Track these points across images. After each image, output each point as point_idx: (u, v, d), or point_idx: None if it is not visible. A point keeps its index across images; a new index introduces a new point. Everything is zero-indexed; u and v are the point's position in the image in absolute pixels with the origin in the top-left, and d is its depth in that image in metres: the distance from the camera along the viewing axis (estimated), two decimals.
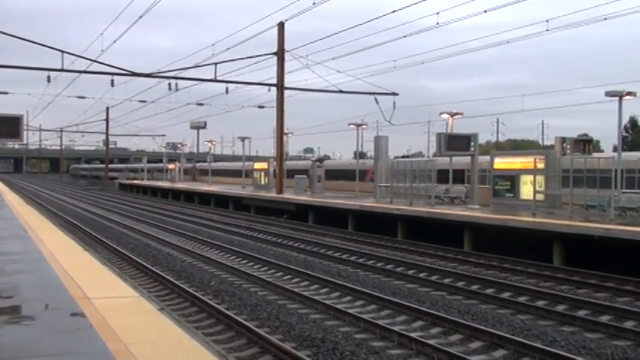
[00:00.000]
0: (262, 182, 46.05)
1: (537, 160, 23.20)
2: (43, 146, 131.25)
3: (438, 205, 26.09)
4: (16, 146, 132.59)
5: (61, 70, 31.95)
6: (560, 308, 12.27)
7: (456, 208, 24.68)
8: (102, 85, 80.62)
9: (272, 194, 37.85)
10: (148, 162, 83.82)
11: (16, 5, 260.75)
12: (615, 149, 29.86)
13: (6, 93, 43.70)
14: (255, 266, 17.57)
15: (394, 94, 36.11)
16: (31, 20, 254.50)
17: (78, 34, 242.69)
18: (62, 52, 31.25)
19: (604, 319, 11.48)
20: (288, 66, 37.52)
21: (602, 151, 62.68)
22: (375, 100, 36.05)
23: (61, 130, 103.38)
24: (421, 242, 21.99)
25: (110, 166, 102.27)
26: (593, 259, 17.01)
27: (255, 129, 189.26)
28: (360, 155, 46.55)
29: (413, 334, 10.01)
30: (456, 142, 26.34)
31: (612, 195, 19.76)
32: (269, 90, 38.29)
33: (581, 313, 11.94)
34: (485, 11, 27.36)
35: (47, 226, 19.11)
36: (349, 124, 39.25)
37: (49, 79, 32.93)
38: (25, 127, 26.04)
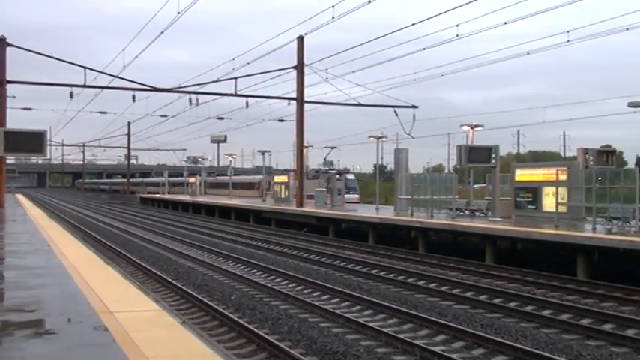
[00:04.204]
0: (282, 195, 46.12)
1: (559, 172, 22.98)
2: (65, 161, 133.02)
3: (459, 218, 25.93)
4: (40, 161, 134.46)
5: (84, 85, 32.36)
6: (585, 322, 12.10)
7: (477, 221, 24.50)
8: (123, 100, 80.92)
9: (292, 207, 37.87)
10: (169, 176, 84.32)
11: (40, 22, 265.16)
12: (638, 160, 29.48)
13: (30, 109, 44.34)
14: (276, 280, 17.55)
15: (414, 106, 36.09)
16: (54, 37, 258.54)
17: (99, 50, 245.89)
18: (85, 68, 31.71)
19: (630, 332, 11.30)
20: (307, 79, 37.71)
21: (626, 163, 62.00)
22: (395, 112, 36.07)
23: (84, 145, 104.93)
24: (443, 255, 21.86)
25: (122, 180, 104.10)
26: (617, 272, 16.78)
27: (275, 142, 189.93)
28: (380, 168, 46.52)
29: (435, 348, 9.91)
30: (477, 154, 26.20)
31: (637, 207, 19.51)
32: (289, 103, 38.51)
33: (607, 326, 11.76)
34: (506, 23, 27.28)
35: (70, 240, 19.25)
36: (369, 137, 39.24)
37: (71, 95, 33.36)
38: (48, 143, 26.37)
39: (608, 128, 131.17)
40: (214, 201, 53.24)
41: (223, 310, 12.61)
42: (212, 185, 74.65)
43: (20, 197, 64.93)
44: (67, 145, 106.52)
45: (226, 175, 69.70)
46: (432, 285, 16.45)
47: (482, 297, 14.68)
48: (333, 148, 57.58)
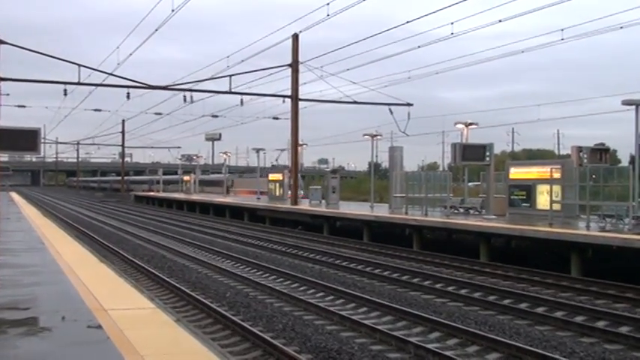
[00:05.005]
0: (277, 193, 46.13)
1: (554, 170, 23.05)
2: (59, 159, 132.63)
3: (453, 216, 25.97)
4: (34, 159, 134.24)
5: (78, 83, 32.24)
6: (578, 319, 12.13)
7: (471, 219, 24.55)
8: (118, 98, 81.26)
9: (287, 205, 37.87)
10: (164, 174, 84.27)
11: (34, 19, 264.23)
12: (632, 158, 29.55)
13: (23, 106, 44.15)
14: (271, 277, 17.55)
15: (409, 104, 36.10)
16: (48, 34, 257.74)
17: (93, 47, 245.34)
18: (79, 65, 31.60)
19: (624, 330, 11.34)
20: (302, 77, 37.70)
21: (619, 161, 62.13)
22: (390, 110, 36.08)
23: (78, 143, 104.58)
24: (437, 253, 21.90)
25: (112, 178, 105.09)
26: (611, 270, 16.84)
27: (270, 140, 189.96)
28: (375, 166, 46.55)
29: (430, 346, 9.93)
30: (471, 152, 26.24)
31: (630, 204, 19.58)
32: (283, 101, 38.44)
33: (601, 324, 11.79)
34: (500, 21, 27.35)
35: (64, 238, 19.23)
36: (364, 135, 39.26)
37: (65, 93, 33.16)
38: (42, 141, 26.28)
39: (602, 126, 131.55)
40: (209, 199, 53.18)
41: (218, 308, 12.60)
42: None
43: (14, 195, 64.74)
44: (61, 143, 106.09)
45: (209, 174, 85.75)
46: (426, 282, 16.48)
47: (476, 294, 14.70)
48: (282, 150, 67.19)
